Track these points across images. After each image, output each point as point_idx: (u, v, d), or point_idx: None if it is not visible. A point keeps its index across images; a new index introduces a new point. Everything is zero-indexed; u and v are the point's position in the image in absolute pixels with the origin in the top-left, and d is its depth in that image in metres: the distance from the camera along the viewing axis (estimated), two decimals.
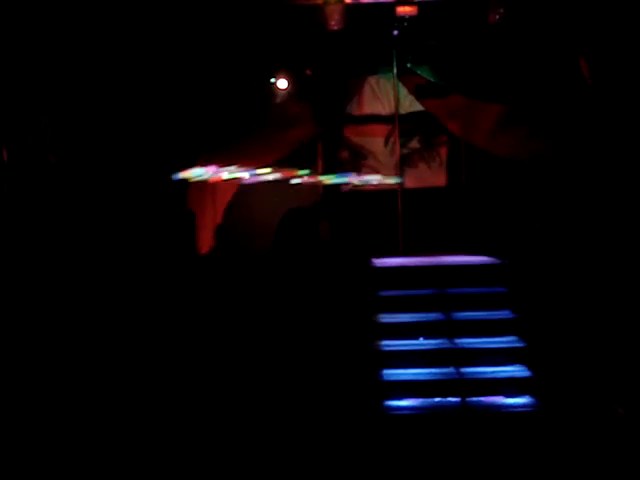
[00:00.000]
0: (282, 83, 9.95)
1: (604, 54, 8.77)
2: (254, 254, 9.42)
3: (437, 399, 6.94)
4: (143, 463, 5.45)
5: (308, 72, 9.98)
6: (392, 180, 10.35)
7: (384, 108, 10.87)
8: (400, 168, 10.62)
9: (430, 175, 10.93)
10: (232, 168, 9.93)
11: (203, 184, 9.97)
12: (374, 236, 10.23)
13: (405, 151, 10.80)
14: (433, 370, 7.19)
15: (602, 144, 9.01)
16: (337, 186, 10.84)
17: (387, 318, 7.67)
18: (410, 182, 10.79)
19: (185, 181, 9.60)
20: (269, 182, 10.37)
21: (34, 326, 7.34)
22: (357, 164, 10.93)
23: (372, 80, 10.78)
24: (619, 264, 7.88)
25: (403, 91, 10.55)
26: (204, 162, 9.95)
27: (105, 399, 6.62)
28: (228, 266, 8.64)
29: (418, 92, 10.36)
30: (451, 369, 7.19)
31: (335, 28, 8.91)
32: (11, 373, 6.70)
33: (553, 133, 9.67)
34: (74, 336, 7.31)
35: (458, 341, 7.47)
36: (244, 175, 9.92)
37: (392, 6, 8.88)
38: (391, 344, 7.40)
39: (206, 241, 10.07)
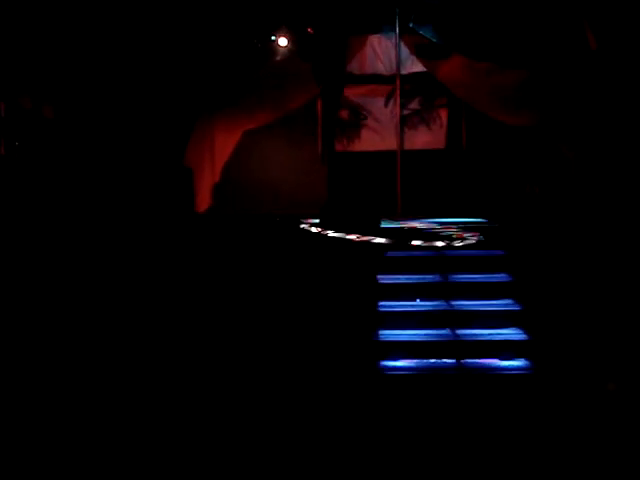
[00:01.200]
0: (283, 41, 9.84)
1: (609, 17, 8.67)
2: (252, 213, 9.40)
3: (432, 360, 6.95)
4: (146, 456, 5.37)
5: (309, 30, 9.87)
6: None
7: (385, 68, 10.76)
8: (400, 129, 10.55)
9: (430, 137, 10.86)
10: None
11: (202, 141, 9.91)
12: (373, 198, 10.19)
13: (405, 112, 10.72)
14: (429, 331, 7.20)
15: (604, 110, 8.95)
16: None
17: (384, 279, 7.67)
18: (410, 144, 10.72)
19: (183, 138, 9.53)
20: (268, 141, 10.31)
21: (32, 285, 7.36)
22: (357, 124, 10.86)
23: (374, 39, 10.65)
24: (617, 227, 7.87)
25: (405, 51, 10.45)
26: (205, 120, 9.87)
27: (103, 367, 6.62)
28: (227, 226, 8.62)
29: (420, 52, 10.26)
30: (447, 331, 7.20)
31: None
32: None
33: (554, 98, 9.60)
34: (71, 292, 7.32)
35: (455, 303, 7.47)
36: None
37: None
38: (388, 305, 7.41)
39: (204, 199, 10.03)
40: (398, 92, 10.48)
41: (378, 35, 10.58)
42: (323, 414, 5.99)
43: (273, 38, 9.87)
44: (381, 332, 7.14)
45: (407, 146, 10.66)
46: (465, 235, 8.21)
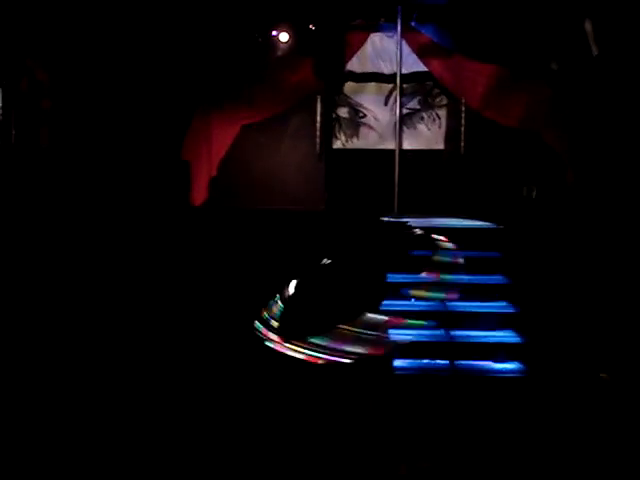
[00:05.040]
0: (284, 37, 9.82)
1: (611, 18, 8.65)
2: (248, 207, 9.37)
3: (426, 360, 6.94)
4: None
5: (311, 26, 9.84)
6: None
7: (386, 66, 10.69)
8: (399, 128, 10.52)
9: (429, 137, 10.82)
10: None
11: (199, 134, 9.87)
12: (370, 196, 10.16)
13: (405, 111, 10.68)
14: (423, 332, 7.18)
15: (605, 113, 8.93)
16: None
17: None
18: (408, 143, 10.69)
19: (180, 131, 9.50)
20: (266, 136, 10.28)
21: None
22: (356, 122, 10.82)
23: (375, 37, 10.58)
24: (615, 233, 7.86)
25: (406, 50, 10.39)
26: (202, 114, 9.85)
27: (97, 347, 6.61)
28: (223, 220, 8.58)
29: (421, 52, 10.21)
30: (441, 332, 7.18)
31: None
32: None
33: (556, 100, 9.60)
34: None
35: (450, 304, 7.45)
36: None
37: None
38: (383, 304, 7.38)
39: (200, 193, 9.99)
40: (398, 91, 10.44)
41: (379, 33, 10.52)
42: (319, 416, 5.98)
43: (274, 33, 9.85)
44: None
45: (406, 145, 10.62)
46: None
